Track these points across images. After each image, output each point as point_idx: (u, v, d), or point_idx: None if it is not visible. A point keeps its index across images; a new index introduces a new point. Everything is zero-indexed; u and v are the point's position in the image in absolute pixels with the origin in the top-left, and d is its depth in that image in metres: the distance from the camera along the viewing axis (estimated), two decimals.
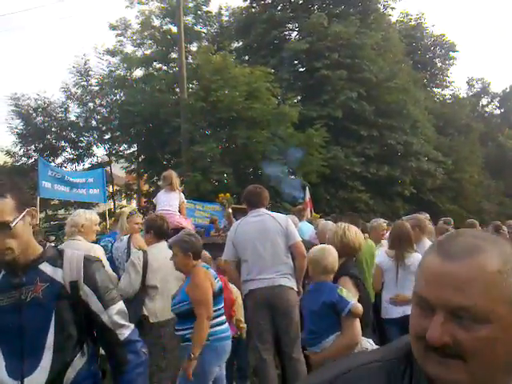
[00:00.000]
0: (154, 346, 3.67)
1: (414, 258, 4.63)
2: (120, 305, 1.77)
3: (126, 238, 4.57)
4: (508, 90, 37.81)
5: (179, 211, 5.88)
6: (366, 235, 6.01)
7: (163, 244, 4.03)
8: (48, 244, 1.80)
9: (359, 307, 2.84)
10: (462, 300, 0.79)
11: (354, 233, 3.35)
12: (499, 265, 0.81)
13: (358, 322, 2.86)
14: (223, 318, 3.47)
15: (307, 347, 3.13)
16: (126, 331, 1.76)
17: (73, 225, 4.14)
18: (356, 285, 3.08)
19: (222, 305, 3.50)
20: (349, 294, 2.89)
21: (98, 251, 4.11)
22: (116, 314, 1.73)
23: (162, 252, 3.95)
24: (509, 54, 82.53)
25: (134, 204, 22.15)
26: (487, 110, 38.37)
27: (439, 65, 30.12)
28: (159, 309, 3.80)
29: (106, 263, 4.16)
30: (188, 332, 3.23)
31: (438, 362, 0.81)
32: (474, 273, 0.80)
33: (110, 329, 1.72)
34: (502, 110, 37.90)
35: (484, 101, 38.38)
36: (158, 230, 4.12)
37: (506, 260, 0.81)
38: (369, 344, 2.93)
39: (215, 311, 3.35)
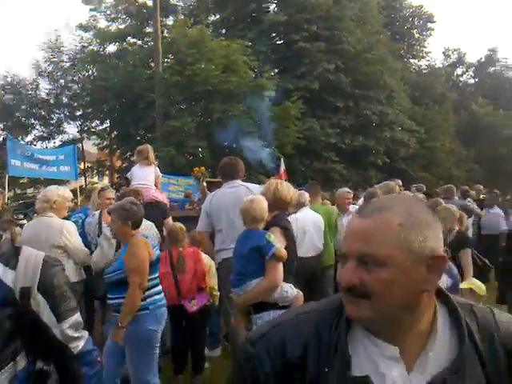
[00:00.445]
0: None
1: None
2: (76, 316, 1.54)
3: (97, 213, 4.51)
4: (483, 60, 38.12)
5: (155, 185, 5.80)
6: (326, 201, 6.43)
7: None
8: (4, 237, 1.55)
9: (283, 252, 2.96)
10: (367, 249, 0.94)
11: (286, 188, 3.47)
12: (401, 219, 0.95)
13: (280, 266, 2.98)
14: (160, 286, 3.50)
15: (231, 288, 3.26)
16: (80, 343, 1.54)
17: (45, 200, 4.04)
18: (284, 235, 3.20)
19: (158, 274, 3.51)
20: (275, 240, 3.00)
21: (69, 227, 4.06)
22: (70, 327, 1.51)
23: None
24: (484, 25, 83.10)
25: (106, 180, 21.89)
26: (462, 79, 38.73)
27: (417, 35, 30.17)
28: None
29: (79, 238, 4.12)
30: (121, 302, 3.21)
31: (350, 301, 0.97)
32: (378, 226, 0.95)
33: (62, 343, 1.50)
34: (477, 80, 38.29)
35: (459, 70, 38.69)
36: None
37: (408, 215, 0.96)
38: (289, 287, 3.06)
39: (152, 280, 3.36)
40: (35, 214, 5.55)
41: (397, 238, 0.94)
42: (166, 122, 15.07)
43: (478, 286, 4.08)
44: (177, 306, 4.22)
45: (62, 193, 4.19)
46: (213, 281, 4.65)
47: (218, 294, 4.59)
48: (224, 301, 4.42)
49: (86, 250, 4.16)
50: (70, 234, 4.01)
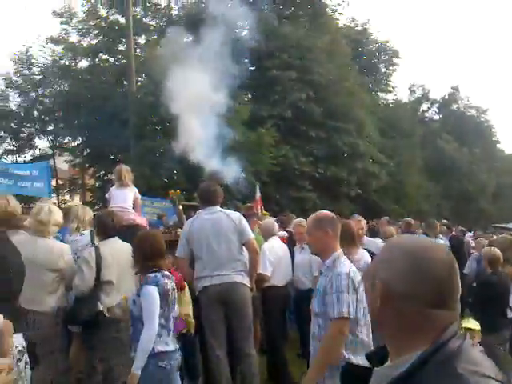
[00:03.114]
0: (112, 340, 3.63)
1: (361, 253, 4.89)
2: None
3: (87, 232, 4.45)
4: (447, 97, 39.84)
5: (133, 208, 5.76)
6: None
7: (114, 240, 4.01)
8: None
9: None
10: None
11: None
12: None
13: None
14: None
15: None
16: None
17: (52, 223, 3.83)
18: None
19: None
20: None
21: (68, 251, 3.95)
22: None
23: (115, 248, 3.92)
24: (447, 63, 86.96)
25: (77, 199, 21.44)
26: (427, 115, 40.25)
27: (383, 70, 31.23)
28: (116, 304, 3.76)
29: (73, 262, 3.97)
30: None
31: None
32: None
33: None
34: (441, 116, 39.90)
35: (424, 106, 40.25)
36: (104, 227, 4.08)
37: None
38: None
39: None
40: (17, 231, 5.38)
41: None
42: (140, 142, 15.02)
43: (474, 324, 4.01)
44: None
45: (61, 215, 4.07)
46: (187, 308, 4.61)
47: (193, 321, 4.59)
48: (205, 331, 4.42)
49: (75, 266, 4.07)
50: (70, 257, 3.92)
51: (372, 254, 5.69)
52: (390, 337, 1.19)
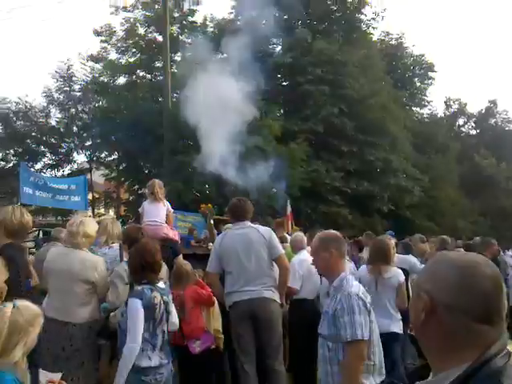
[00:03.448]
0: None
1: (393, 271, 4.83)
2: None
3: (116, 246, 4.53)
4: (483, 112, 38.91)
5: (167, 222, 5.84)
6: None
7: None
8: None
9: None
10: None
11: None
12: None
13: None
14: None
15: None
16: None
17: (84, 235, 3.94)
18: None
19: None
20: None
21: (103, 264, 4.04)
22: None
23: None
24: (484, 77, 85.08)
25: (111, 212, 21.93)
26: (463, 129, 39.37)
27: (418, 84, 30.82)
28: None
29: (107, 275, 4.05)
30: None
31: None
32: None
33: None
34: (478, 131, 38.96)
35: (460, 121, 39.38)
36: (133, 241, 4.13)
37: None
38: None
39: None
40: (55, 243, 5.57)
41: None
42: (173, 156, 15.29)
43: None
44: (181, 346, 4.23)
45: (96, 228, 4.19)
46: (217, 323, 4.62)
47: (223, 337, 4.60)
48: (235, 347, 4.42)
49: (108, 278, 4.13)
50: (103, 270, 3.99)
51: (406, 272, 5.62)
52: (433, 351, 1.17)
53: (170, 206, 6.07)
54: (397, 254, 5.91)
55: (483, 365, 1.05)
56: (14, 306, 2.27)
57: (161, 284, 3.44)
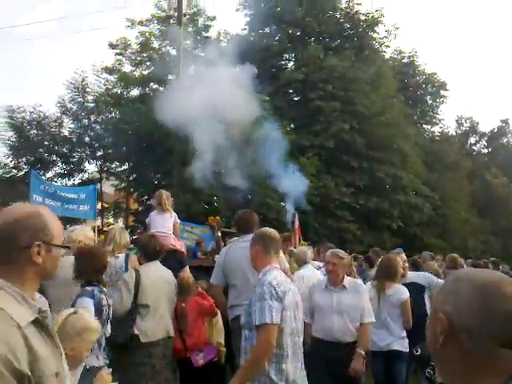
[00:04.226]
0: (144, 365, 3.67)
1: (395, 288, 4.79)
2: None
3: (122, 255, 4.55)
4: (495, 130, 38.72)
5: (173, 233, 5.85)
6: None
7: (155, 264, 4.08)
8: None
9: None
10: None
11: None
12: None
13: None
14: None
15: None
16: None
17: (69, 241, 4.04)
18: None
19: None
20: None
21: None
22: None
23: (153, 271, 3.99)
24: (497, 96, 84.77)
25: (120, 222, 22.02)
26: (475, 148, 39.17)
27: (430, 102, 30.81)
28: (150, 328, 3.80)
29: None
30: None
31: None
32: None
33: None
34: (490, 150, 38.73)
35: (472, 139, 39.21)
36: (147, 250, 4.16)
37: None
38: None
39: None
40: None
41: None
42: (183, 168, 15.37)
43: None
44: (184, 359, 4.22)
45: (86, 233, 4.25)
46: (220, 336, 4.60)
47: (225, 350, 4.57)
48: (237, 361, 4.41)
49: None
50: None
51: (422, 287, 5.58)
52: (452, 377, 1.09)
53: (177, 217, 6.09)
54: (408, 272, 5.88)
55: None
56: (73, 313, 2.36)
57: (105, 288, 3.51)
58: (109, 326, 3.49)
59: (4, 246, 1.45)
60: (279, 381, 2.77)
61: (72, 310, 2.41)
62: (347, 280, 4.31)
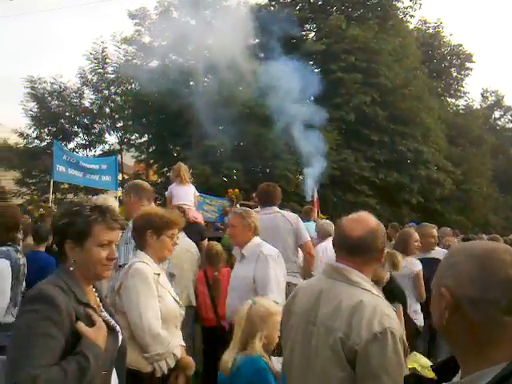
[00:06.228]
0: None
1: (408, 261, 4.74)
2: None
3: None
4: None
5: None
6: None
7: (180, 235, 4.12)
8: None
9: None
10: None
11: None
12: None
13: None
14: None
15: None
16: None
17: None
18: None
19: None
20: None
21: None
22: None
23: (179, 242, 4.04)
24: None
25: None
26: (499, 123, 38.19)
27: (454, 75, 29.99)
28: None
29: None
30: None
31: None
32: None
33: None
34: None
35: (497, 113, 38.21)
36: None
37: None
38: None
39: None
40: None
41: None
42: (202, 140, 15.39)
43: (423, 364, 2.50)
44: (212, 327, 4.29)
45: (110, 202, 4.29)
46: None
47: None
48: None
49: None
50: None
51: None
52: (461, 350, 1.09)
53: (195, 190, 6.15)
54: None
55: None
56: (253, 303, 2.52)
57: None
58: (24, 284, 3.45)
59: None
60: None
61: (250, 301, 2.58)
62: None
